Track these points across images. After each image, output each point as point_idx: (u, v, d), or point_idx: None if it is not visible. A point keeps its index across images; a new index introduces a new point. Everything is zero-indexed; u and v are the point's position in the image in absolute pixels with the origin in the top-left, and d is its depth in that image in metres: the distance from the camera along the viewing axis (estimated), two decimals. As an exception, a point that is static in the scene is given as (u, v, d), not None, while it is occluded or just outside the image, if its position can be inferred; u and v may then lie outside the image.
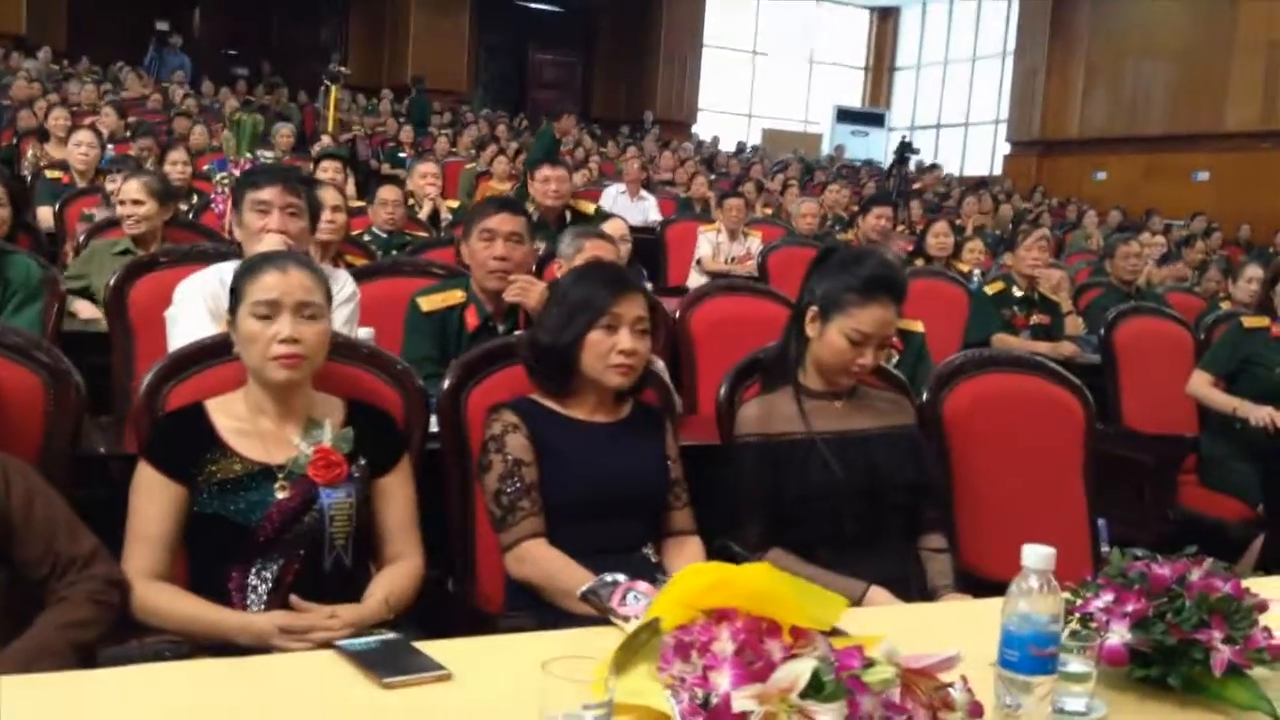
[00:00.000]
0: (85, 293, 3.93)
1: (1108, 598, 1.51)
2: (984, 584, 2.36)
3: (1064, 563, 2.44)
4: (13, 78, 11.12)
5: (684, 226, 7.52)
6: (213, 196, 5.34)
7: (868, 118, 21.20)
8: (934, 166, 16.15)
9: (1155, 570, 1.52)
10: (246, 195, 2.80)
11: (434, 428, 2.35)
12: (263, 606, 1.91)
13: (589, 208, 5.72)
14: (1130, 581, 1.52)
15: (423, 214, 6.59)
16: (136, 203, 4.00)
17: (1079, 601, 1.54)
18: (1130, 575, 1.53)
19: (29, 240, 4.36)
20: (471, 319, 3.13)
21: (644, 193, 9.24)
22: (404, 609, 2.00)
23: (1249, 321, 4.12)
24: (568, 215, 5.33)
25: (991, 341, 4.93)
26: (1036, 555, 1.35)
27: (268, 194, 2.77)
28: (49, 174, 6.37)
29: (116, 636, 1.82)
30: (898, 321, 2.39)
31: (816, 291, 2.36)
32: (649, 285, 5.02)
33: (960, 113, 20.82)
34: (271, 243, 2.66)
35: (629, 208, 8.62)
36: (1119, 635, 1.48)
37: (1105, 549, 2.90)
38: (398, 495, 2.07)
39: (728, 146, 17.69)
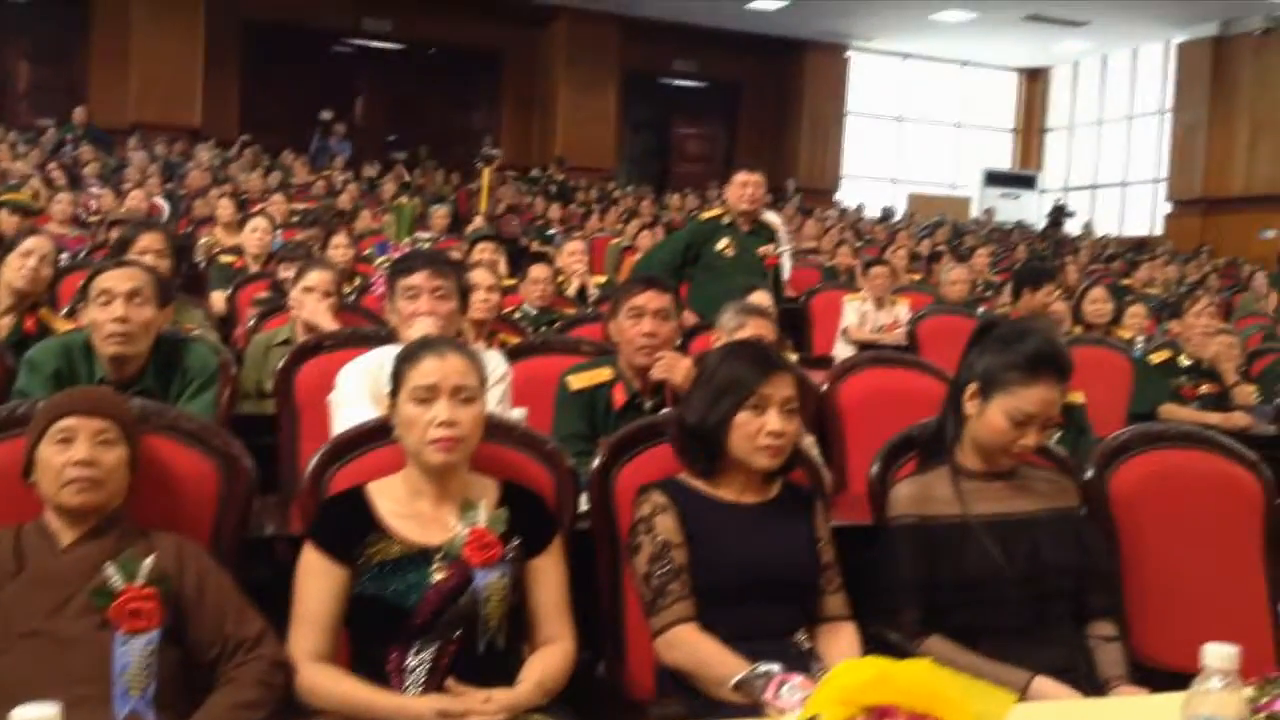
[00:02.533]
0: (260, 389, 3.92)
1: (1296, 698, 1.41)
2: (1159, 674, 2.24)
3: (1245, 651, 2.31)
4: (187, 168, 11.83)
5: (829, 295, 7.46)
6: (373, 280, 5.54)
7: (1018, 180, 20.77)
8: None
9: (1349, 669, 1.41)
10: (397, 283, 2.91)
11: (584, 506, 2.37)
12: (420, 688, 1.94)
13: (773, 220, 6.28)
14: (1320, 681, 1.42)
15: (571, 290, 6.72)
16: (327, 294, 4.09)
17: (1264, 700, 1.44)
18: (1320, 674, 1.43)
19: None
20: (619, 396, 3.16)
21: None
22: (556, 693, 2.01)
23: None
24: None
25: (1159, 413, 4.73)
26: (1219, 654, 1.28)
27: (416, 279, 2.87)
28: (223, 259, 6.67)
29: (282, 718, 1.87)
30: (1058, 405, 2.29)
31: (976, 368, 2.29)
32: (794, 356, 5.01)
33: (1117, 172, 20.20)
34: (423, 326, 2.74)
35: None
36: (1310, 739, 1.38)
37: (1291, 636, 2.72)
38: (550, 576, 2.09)
39: (873, 212, 17.55)
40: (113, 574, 1.85)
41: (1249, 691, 1.48)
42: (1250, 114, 16.94)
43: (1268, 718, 1.44)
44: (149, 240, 4.03)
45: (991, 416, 2.25)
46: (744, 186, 5.73)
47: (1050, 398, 2.22)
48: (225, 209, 7.97)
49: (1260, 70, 16.71)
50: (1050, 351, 2.24)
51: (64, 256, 5.47)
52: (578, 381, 3.17)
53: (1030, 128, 21.79)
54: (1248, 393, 5.00)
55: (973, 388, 2.28)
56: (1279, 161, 16.53)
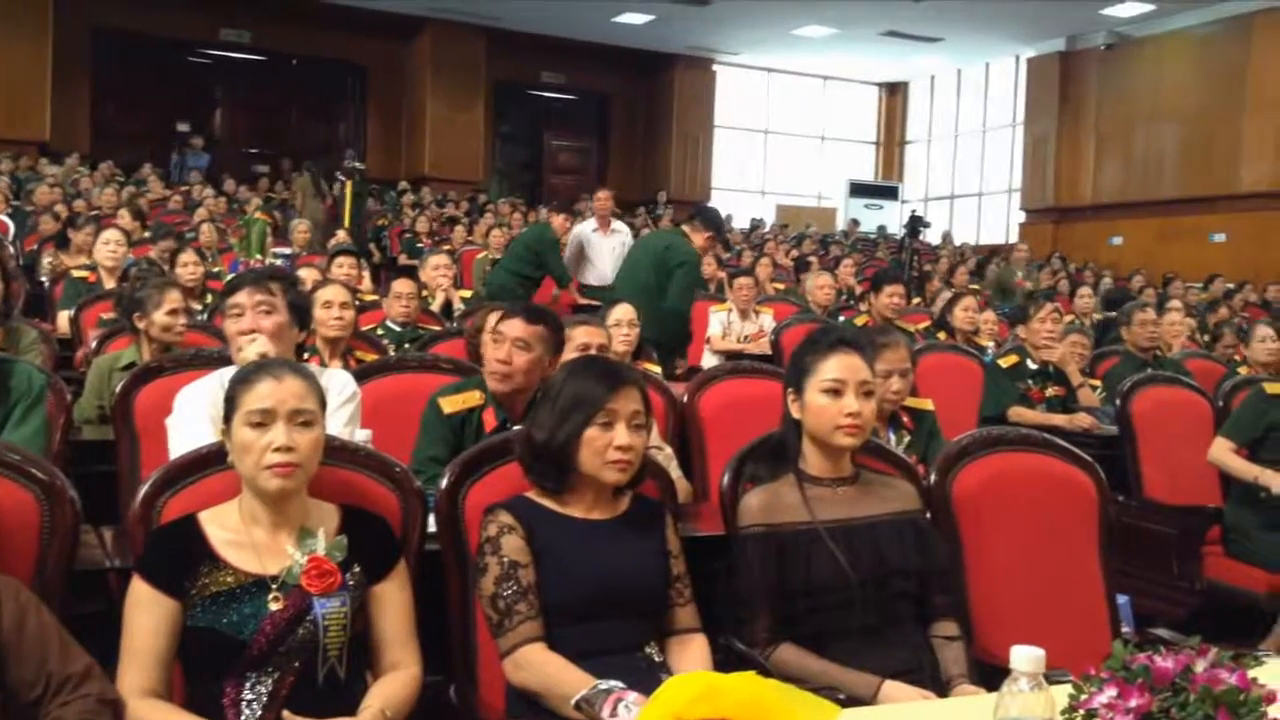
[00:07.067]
0: (103, 413, 3.78)
1: (1110, 693, 1.46)
2: (1001, 671, 2.30)
3: (1084, 645, 2.39)
4: (37, 184, 11.33)
5: (697, 306, 7.53)
6: (224, 298, 5.37)
7: (881, 190, 21.32)
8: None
9: (1158, 663, 1.47)
10: (223, 306, 2.84)
11: (434, 528, 2.33)
12: (257, 722, 1.88)
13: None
14: (1133, 675, 1.47)
15: (435, 305, 6.64)
16: (173, 313, 3.98)
17: (1082, 697, 1.49)
18: (1133, 668, 1.48)
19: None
20: (490, 420, 3.09)
21: (616, 225, 8.91)
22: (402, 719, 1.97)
23: (1271, 387, 4.05)
24: None
25: (1008, 415, 4.89)
26: (1025, 657, 1.32)
27: (239, 297, 2.82)
28: (76, 273, 6.35)
29: (109, 757, 1.79)
30: (866, 372, 2.35)
31: (790, 376, 2.42)
32: (659, 370, 5.03)
33: (973, 183, 20.93)
34: (254, 345, 2.68)
35: (602, 242, 8.56)
36: (1124, 733, 1.43)
37: (1127, 628, 2.83)
38: (394, 602, 2.05)
39: (741, 223, 17.81)
40: (-78, 617, 1.75)
41: (1070, 690, 1.53)
42: (1096, 126, 17.74)
43: (1085, 713, 1.48)
44: None
45: (810, 401, 2.34)
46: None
47: (851, 363, 2.33)
48: (86, 235, 7.40)
49: (1104, 84, 17.50)
50: (841, 332, 2.42)
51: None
52: (449, 405, 3.09)
53: (891, 140, 22.41)
54: (1089, 395, 5.20)
55: (791, 392, 2.38)
56: (1124, 171, 17.35)
